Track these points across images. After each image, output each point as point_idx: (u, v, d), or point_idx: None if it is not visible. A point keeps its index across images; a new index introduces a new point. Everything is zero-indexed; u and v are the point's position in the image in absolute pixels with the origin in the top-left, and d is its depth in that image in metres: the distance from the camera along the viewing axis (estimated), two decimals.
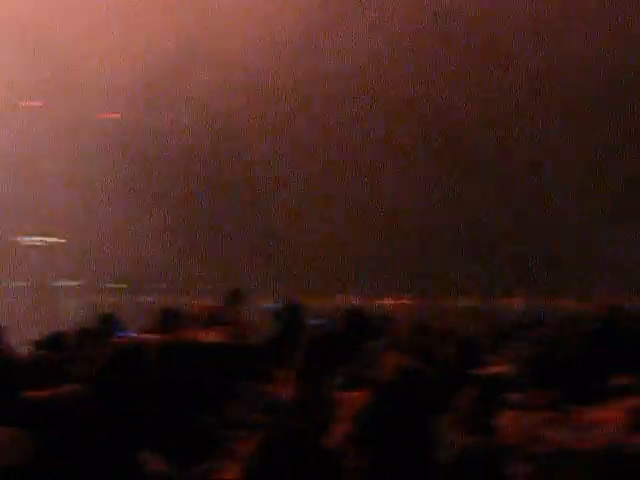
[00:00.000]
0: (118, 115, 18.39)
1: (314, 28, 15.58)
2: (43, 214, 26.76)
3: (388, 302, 15.17)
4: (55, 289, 24.40)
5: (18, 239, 31.03)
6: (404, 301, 15.62)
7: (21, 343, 6.19)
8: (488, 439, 3.38)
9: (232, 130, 17.02)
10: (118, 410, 3.57)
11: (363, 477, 3.27)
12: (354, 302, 13.74)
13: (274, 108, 16.63)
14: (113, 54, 16.08)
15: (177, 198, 19.25)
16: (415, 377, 3.55)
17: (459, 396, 3.72)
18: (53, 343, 5.26)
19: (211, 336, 5.63)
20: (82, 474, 3.25)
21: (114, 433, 3.46)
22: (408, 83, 15.64)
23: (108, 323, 6.63)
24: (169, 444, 3.71)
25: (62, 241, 31.08)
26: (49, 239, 32.78)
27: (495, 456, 3.23)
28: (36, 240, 31.47)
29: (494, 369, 4.49)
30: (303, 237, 16.15)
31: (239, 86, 16.10)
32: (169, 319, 6.29)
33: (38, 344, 5.36)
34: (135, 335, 6.21)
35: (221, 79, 16.00)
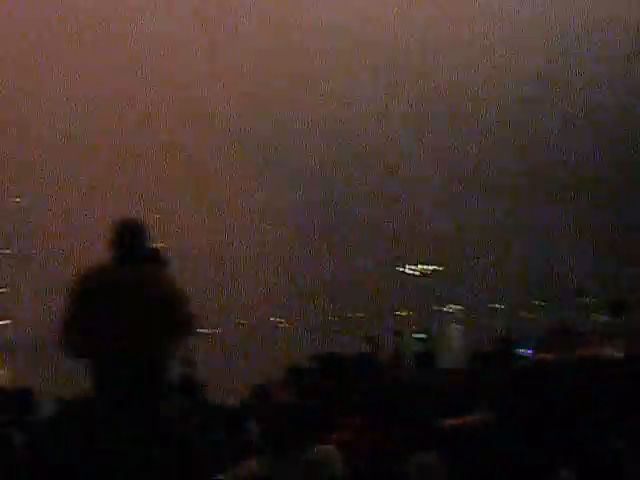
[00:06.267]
0: None
1: None
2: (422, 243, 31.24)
3: None
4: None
5: (402, 269, 36.00)
6: None
7: None
8: None
9: None
10: (520, 434, 3.61)
11: None
12: None
13: None
14: None
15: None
16: None
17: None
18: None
19: (607, 352, 5.35)
20: None
21: (518, 455, 3.57)
22: None
23: (506, 344, 6.72)
24: (583, 464, 3.66)
25: (440, 269, 35.59)
26: (429, 267, 37.31)
27: None
28: (418, 269, 36.06)
29: None
30: None
31: None
32: (563, 336, 6.12)
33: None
34: (532, 355, 6.22)
35: None
